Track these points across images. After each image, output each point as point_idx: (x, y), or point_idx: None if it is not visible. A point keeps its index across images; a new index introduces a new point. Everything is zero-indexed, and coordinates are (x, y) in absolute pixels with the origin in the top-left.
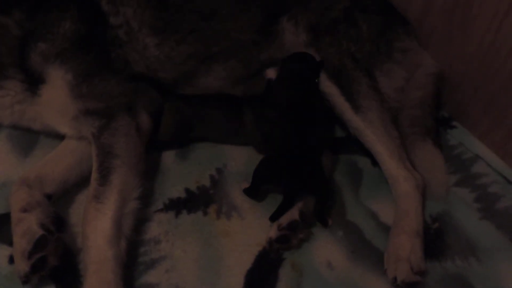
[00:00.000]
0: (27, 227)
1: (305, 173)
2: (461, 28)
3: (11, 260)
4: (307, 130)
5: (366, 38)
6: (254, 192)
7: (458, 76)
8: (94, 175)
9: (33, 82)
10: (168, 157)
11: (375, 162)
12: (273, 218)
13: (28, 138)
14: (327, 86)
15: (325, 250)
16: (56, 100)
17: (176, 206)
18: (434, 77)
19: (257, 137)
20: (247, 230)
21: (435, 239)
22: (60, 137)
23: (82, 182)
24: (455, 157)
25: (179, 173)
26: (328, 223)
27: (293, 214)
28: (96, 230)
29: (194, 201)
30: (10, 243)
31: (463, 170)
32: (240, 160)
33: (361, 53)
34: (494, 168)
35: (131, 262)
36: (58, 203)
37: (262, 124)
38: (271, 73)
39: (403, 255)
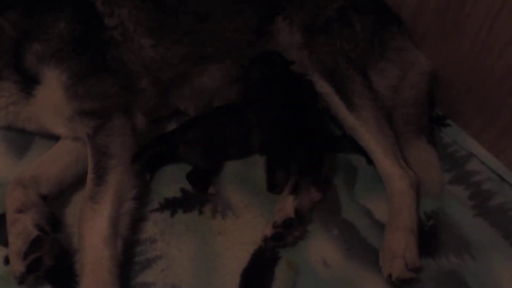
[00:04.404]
0: (22, 227)
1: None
2: (454, 28)
3: (6, 260)
4: (298, 118)
5: (360, 37)
6: (271, 183)
7: (451, 74)
8: (90, 175)
9: (28, 83)
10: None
11: (369, 161)
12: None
13: (23, 139)
14: (321, 86)
15: (320, 248)
16: (51, 101)
17: (172, 205)
18: (427, 76)
19: (260, 138)
20: (243, 229)
21: (430, 236)
22: (55, 137)
23: (77, 182)
24: (449, 155)
25: (175, 173)
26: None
27: (288, 212)
28: (92, 230)
29: (189, 201)
30: (5, 243)
31: (457, 167)
32: (235, 159)
33: (355, 52)
34: (487, 165)
35: (127, 261)
36: (53, 203)
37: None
38: None
39: (398, 252)
